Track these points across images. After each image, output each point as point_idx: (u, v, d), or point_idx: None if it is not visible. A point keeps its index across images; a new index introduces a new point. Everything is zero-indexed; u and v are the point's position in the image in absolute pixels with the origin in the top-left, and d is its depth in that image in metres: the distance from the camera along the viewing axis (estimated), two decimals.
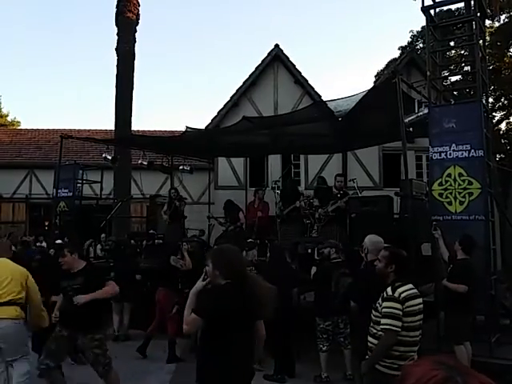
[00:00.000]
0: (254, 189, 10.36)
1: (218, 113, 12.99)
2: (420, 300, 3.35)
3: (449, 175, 5.80)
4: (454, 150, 5.80)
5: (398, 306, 3.19)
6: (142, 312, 7.29)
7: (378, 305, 3.35)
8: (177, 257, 6.71)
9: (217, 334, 2.67)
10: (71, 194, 9.65)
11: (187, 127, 10.35)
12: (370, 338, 3.38)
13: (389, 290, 3.29)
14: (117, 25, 13.24)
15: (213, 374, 2.66)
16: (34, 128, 18.66)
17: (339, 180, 7.89)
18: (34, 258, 6.65)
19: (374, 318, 3.37)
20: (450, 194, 5.78)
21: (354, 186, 8.52)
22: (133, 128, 13.36)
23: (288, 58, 13.14)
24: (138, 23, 13.46)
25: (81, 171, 10.02)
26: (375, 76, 23.62)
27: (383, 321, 3.22)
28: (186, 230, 10.95)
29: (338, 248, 5.80)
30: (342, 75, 51.91)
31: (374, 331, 3.33)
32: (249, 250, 6.58)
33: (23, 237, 10.65)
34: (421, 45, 21.06)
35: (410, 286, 3.34)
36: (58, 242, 7.50)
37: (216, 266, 2.81)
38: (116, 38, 13.18)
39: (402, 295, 3.22)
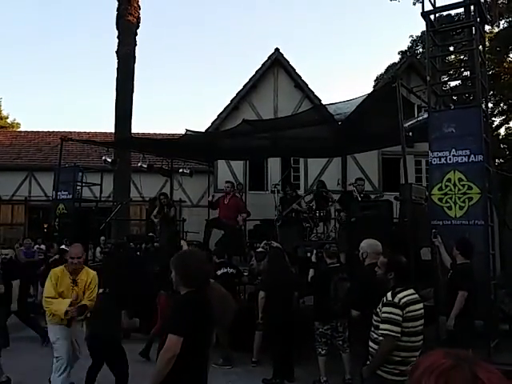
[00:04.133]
0: (253, 192, 10.35)
1: (218, 116, 13.01)
2: (421, 305, 3.34)
3: (448, 180, 5.80)
4: (453, 155, 5.80)
5: (398, 311, 3.18)
6: (144, 316, 7.26)
7: (378, 310, 3.34)
8: None
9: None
10: (71, 196, 9.63)
11: (187, 130, 10.35)
12: (370, 343, 3.37)
13: (389, 295, 3.28)
14: (117, 28, 13.30)
15: (174, 381, 2.56)
16: (34, 130, 18.63)
17: (360, 184, 8.02)
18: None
19: (374, 322, 3.36)
20: (450, 198, 5.77)
21: (353, 189, 8.53)
22: (133, 131, 13.38)
23: (288, 62, 13.18)
24: (138, 26, 13.53)
25: (80, 173, 10.00)
26: (375, 80, 23.71)
27: (382, 326, 3.21)
28: (184, 234, 10.95)
29: (326, 253, 5.77)
30: (342, 79, 52.02)
31: (375, 336, 3.32)
32: (259, 260, 6.60)
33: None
34: (421, 49, 21.13)
35: (411, 291, 3.33)
36: (62, 247, 7.46)
37: (177, 273, 2.71)
38: (117, 40, 13.24)
39: (402, 301, 3.21)
